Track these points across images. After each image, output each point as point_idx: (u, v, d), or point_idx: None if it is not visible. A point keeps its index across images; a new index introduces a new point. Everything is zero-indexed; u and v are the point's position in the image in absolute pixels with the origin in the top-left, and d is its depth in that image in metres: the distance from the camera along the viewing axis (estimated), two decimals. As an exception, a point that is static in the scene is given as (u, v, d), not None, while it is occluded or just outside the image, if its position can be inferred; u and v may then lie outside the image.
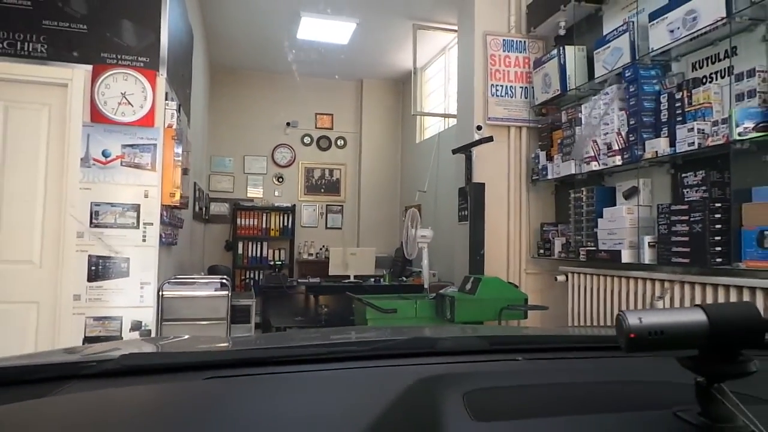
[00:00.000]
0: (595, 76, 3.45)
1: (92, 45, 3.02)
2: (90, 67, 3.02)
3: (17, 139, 2.98)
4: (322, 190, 7.90)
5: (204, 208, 6.63)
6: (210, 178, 7.35)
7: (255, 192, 7.64)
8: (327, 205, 7.88)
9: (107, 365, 0.73)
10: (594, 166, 3.39)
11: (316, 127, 7.91)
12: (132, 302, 3.06)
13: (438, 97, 7.03)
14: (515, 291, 3.55)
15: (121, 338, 3.06)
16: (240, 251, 7.21)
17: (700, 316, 0.49)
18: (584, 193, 3.53)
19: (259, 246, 7.29)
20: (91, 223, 3.02)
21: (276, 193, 7.69)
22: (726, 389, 0.49)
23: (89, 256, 3.01)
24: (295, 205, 7.55)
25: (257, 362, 0.79)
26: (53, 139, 3.02)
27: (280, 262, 7.20)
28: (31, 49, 2.94)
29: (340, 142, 7.98)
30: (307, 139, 7.85)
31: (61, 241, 2.99)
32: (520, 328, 2.51)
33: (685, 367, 0.51)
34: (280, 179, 7.74)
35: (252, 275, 7.22)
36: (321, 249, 7.54)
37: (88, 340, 2.96)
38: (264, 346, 1.05)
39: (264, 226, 7.33)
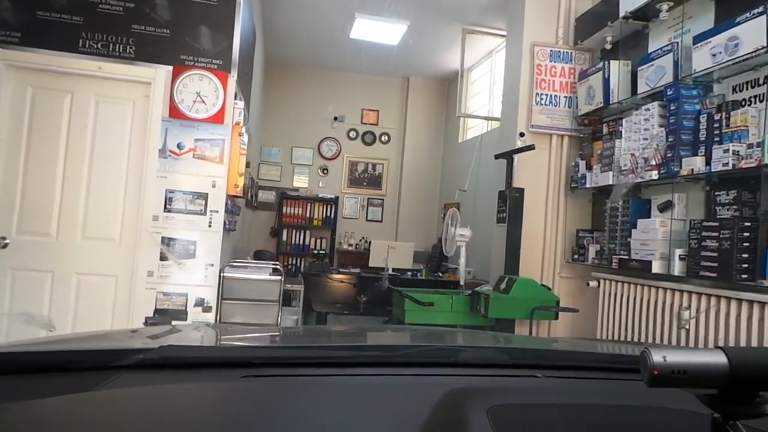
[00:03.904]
0: (638, 92, 3.59)
1: (173, 48, 3.36)
2: (170, 68, 3.36)
3: (105, 130, 3.36)
4: (365, 184, 8.18)
5: (253, 196, 7.00)
6: (260, 167, 7.72)
7: (301, 182, 7.98)
8: (368, 198, 8.17)
9: (149, 354, 0.80)
10: (631, 178, 3.54)
11: (362, 122, 8.18)
12: (197, 281, 3.41)
13: (482, 98, 7.18)
14: (548, 293, 3.74)
15: (186, 312, 3.41)
16: (284, 238, 7.57)
17: (721, 359, 0.51)
18: (620, 203, 3.68)
19: (302, 234, 7.64)
20: (164, 208, 3.37)
21: (320, 184, 8.01)
22: (740, 426, 0.52)
23: (162, 237, 3.36)
24: (338, 196, 7.86)
25: (289, 363, 0.85)
26: (135, 132, 3.38)
27: (322, 251, 7.53)
28: (120, 50, 3.30)
29: (385, 138, 8.24)
30: (352, 134, 8.14)
31: (139, 223, 3.35)
32: (540, 340, 2.49)
33: (703, 403, 0.54)
34: (325, 171, 8.06)
35: (294, 262, 7.58)
36: (361, 240, 7.83)
37: (158, 312, 3.33)
38: (296, 345, 1.14)
39: (308, 215, 7.66)
